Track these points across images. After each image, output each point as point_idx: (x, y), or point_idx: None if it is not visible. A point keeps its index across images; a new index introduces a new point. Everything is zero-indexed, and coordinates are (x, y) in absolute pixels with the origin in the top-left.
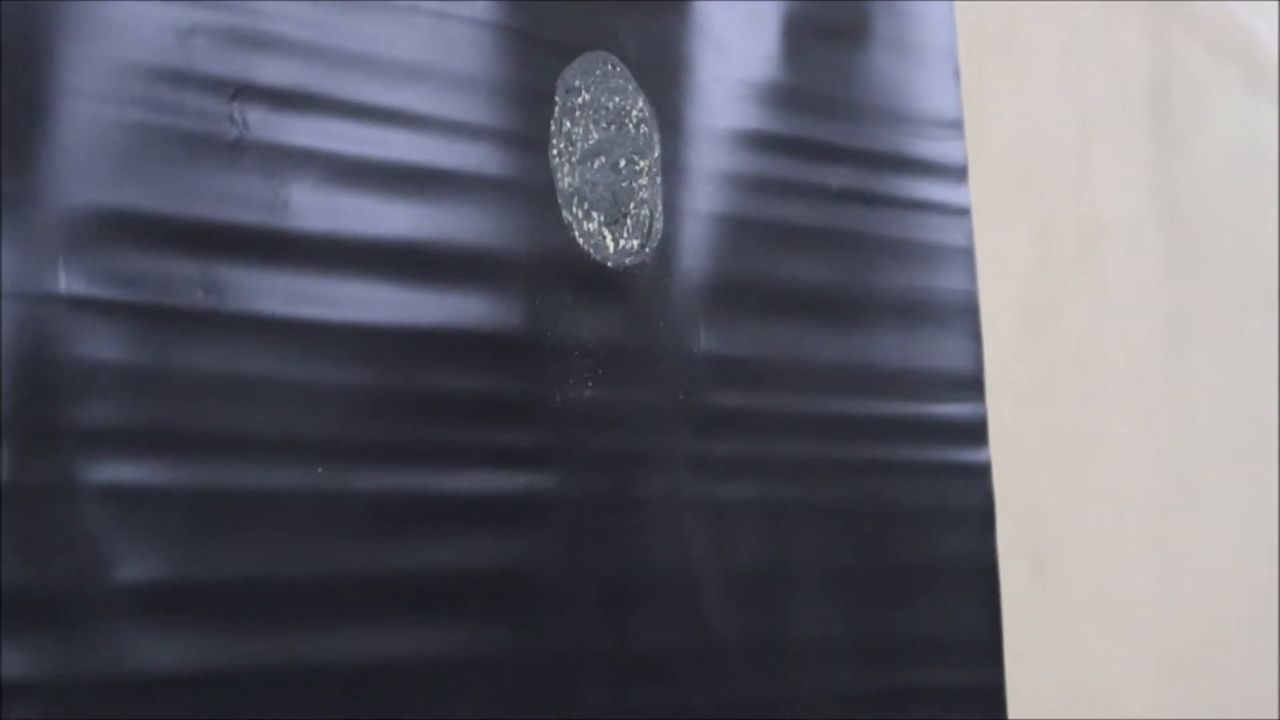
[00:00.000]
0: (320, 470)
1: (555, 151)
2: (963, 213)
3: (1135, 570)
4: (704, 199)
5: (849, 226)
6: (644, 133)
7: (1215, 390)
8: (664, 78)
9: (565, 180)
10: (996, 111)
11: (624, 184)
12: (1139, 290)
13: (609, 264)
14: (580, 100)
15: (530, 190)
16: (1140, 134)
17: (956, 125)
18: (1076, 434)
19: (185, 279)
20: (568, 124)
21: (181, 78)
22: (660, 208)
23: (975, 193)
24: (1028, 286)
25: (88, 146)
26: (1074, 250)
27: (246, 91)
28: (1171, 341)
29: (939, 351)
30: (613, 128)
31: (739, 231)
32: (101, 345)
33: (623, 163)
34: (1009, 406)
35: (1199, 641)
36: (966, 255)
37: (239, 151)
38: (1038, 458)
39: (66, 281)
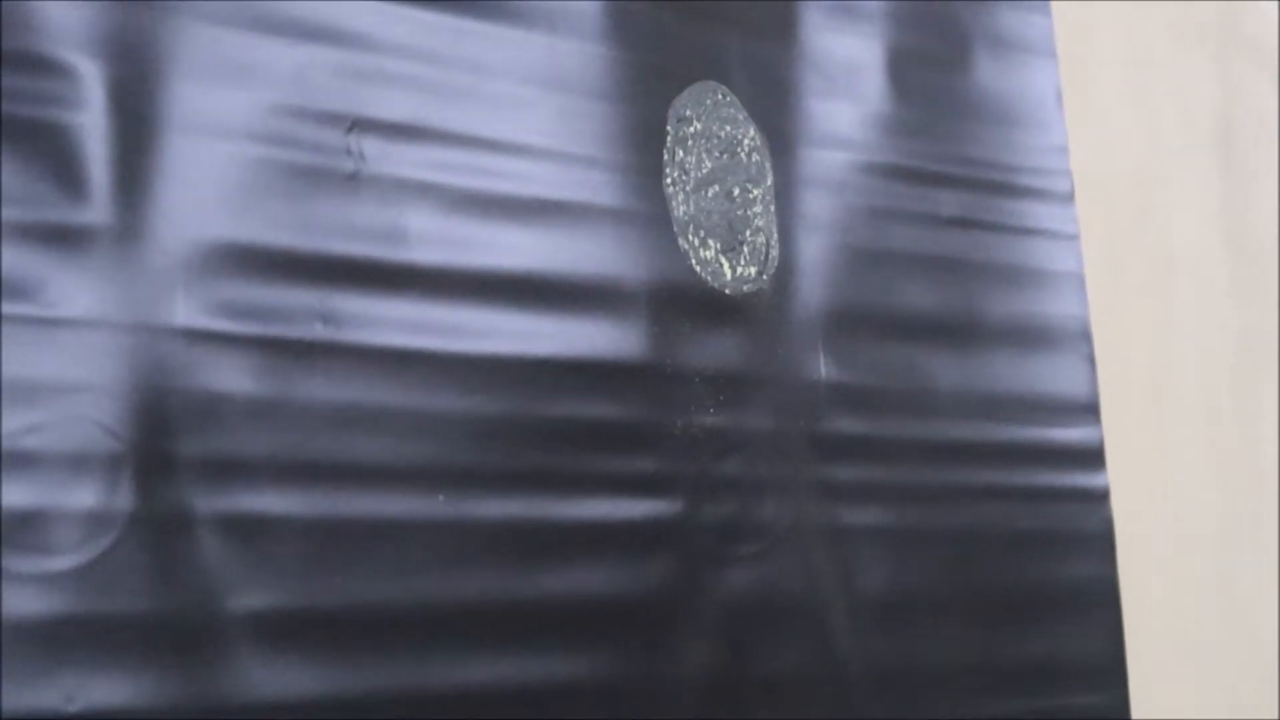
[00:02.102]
0: (441, 499)
1: (669, 180)
2: (1072, 238)
3: (1206, 599)
4: (818, 227)
5: (961, 252)
6: (756, 161)
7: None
8: (774, 107)
9: (680, 208)
10: (1071, 134)
11: (739, 212)
12: (1207, 320)
13: (727, 291)
14: (692, 129)
15: (646, 219)
16: (1208, 167)
17: (1062, 151)
18: (1148, 461)
19: (304, 310)
20: (680, 153)
21: (299, 113)
22: (775, 235)
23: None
24: (1098, 315)
25: (207, 181)
26: (1142, 281)
27: (363, 125)
28: (1237, 368)
29: (1055, 376)
30: (725, 156)
31: (854, 258)
32: (221, 376)
33: (736, 191)
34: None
35: (1267, 671)
36: (1078, 280)
37: (356, 184)
38: (1115, 487)
39: (186, 314)
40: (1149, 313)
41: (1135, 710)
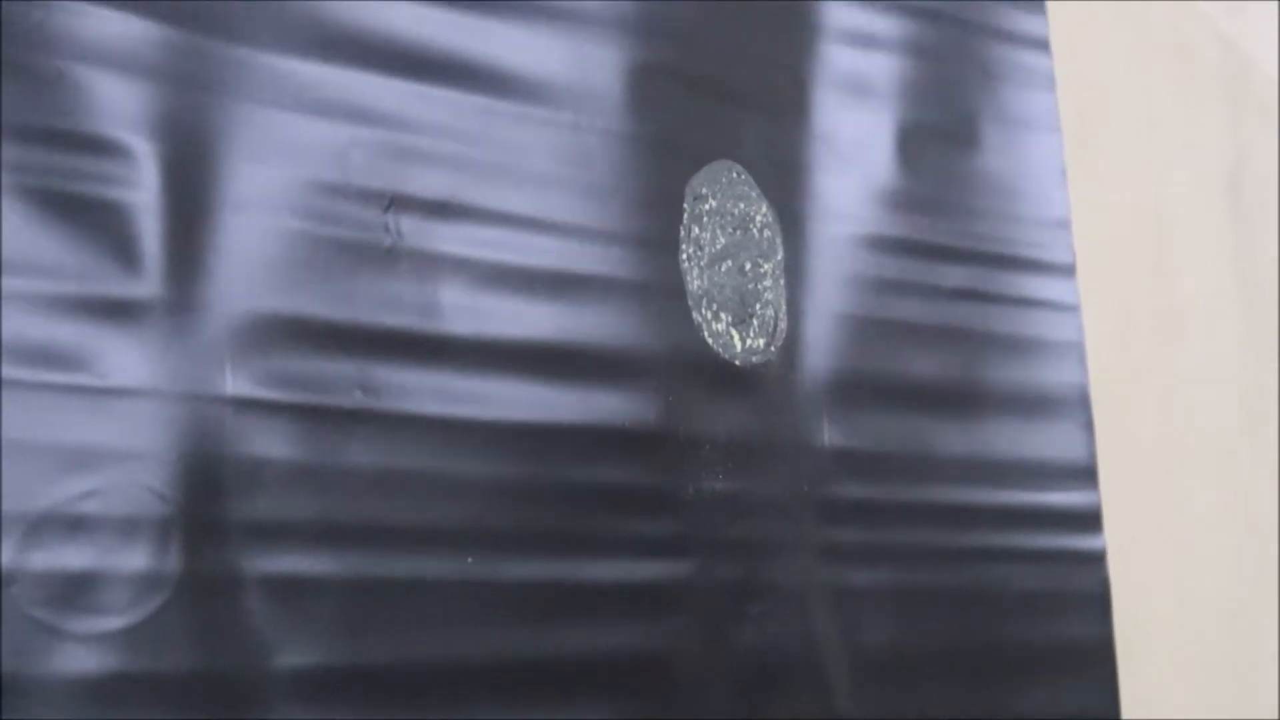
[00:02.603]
0: (470, 560)
1: (685, 255)
2: (1072, 309)
3: (1216, 646)
4: (826, 299)
5: (964, 324)
6: (768, 237)
7: None
8: (786, 184)
9: (695, 283)
10: (1078, 201)
11: (750, 286)
12: (1218, 373)
13: (737, 362)
14: (708, 206)
15: (662, 292)
16: (1218, 222)
17: (1064, 225)
18: (1160, 516)
19: (344, 380)
20: (696, 229)
21: (340, 190)
22: (784, 308)
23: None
24: (1109, 372)
25: (252, 256)
26: (1153, 335)
27: (400, 202)
28: (1248, 420)
29: (1054, 442)
30: (738, 232)
31: (859, 330)
32: (266, 443)
33: (748, 265)
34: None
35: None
36: (1077, 349)
37: (394, 258)
38: (1124, 538)
39: (234, 383)
40: (1159, 370)
41: None
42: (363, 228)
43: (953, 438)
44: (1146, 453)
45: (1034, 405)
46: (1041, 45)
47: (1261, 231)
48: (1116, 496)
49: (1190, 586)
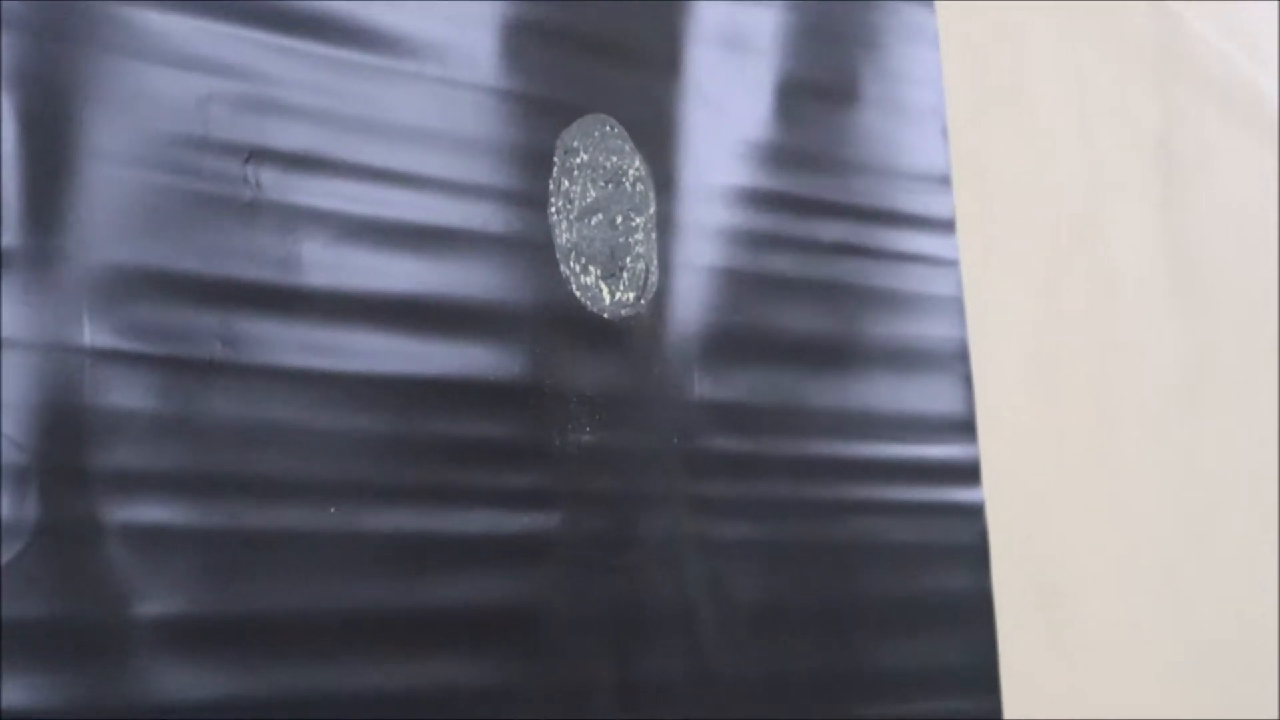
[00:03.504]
0: (333, 511)
1: (554, 209)
2: (951, 264)
3: (1143, 605)
4: (698, 253)
5: (841, 278)
6: (640, 190)
7: (1223, 430)
8: (660, 138)
9: (564, 236)
10: (1005, 164)
11: (620, 239)
12: (1148, 335)
13: (606, 315)
14: (579, 160)
15: (530, 246)
16: (1148, 185)
17: (944, 180)
18: (1086, 474)
19: (204, 332)
20: (566, 183)
21: (199, 143)
22: (655, 262)
23: (981, 244)
24: (1037, 332)
25: (111, 207)
26: (1084, 297)
27: (260, 155)
28: (1180, 383)
29: (931, 396)
30: (610, 186)
31: (733, 284)
32: (125, 394)
33: (619, 219)
34: (1018, 449)
35: (1205, 677)
36: (957, 304)
37: (254, 211)
38: (1047, 496)
39: (91, 334)
40: (1090, 330)
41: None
42: (223, 180)
43: (828, 391)
44: (1075, 408)
45: (912, 360)
46: None
47: (1193, 191)
48: (1028, 451)
49: (1111, 544)
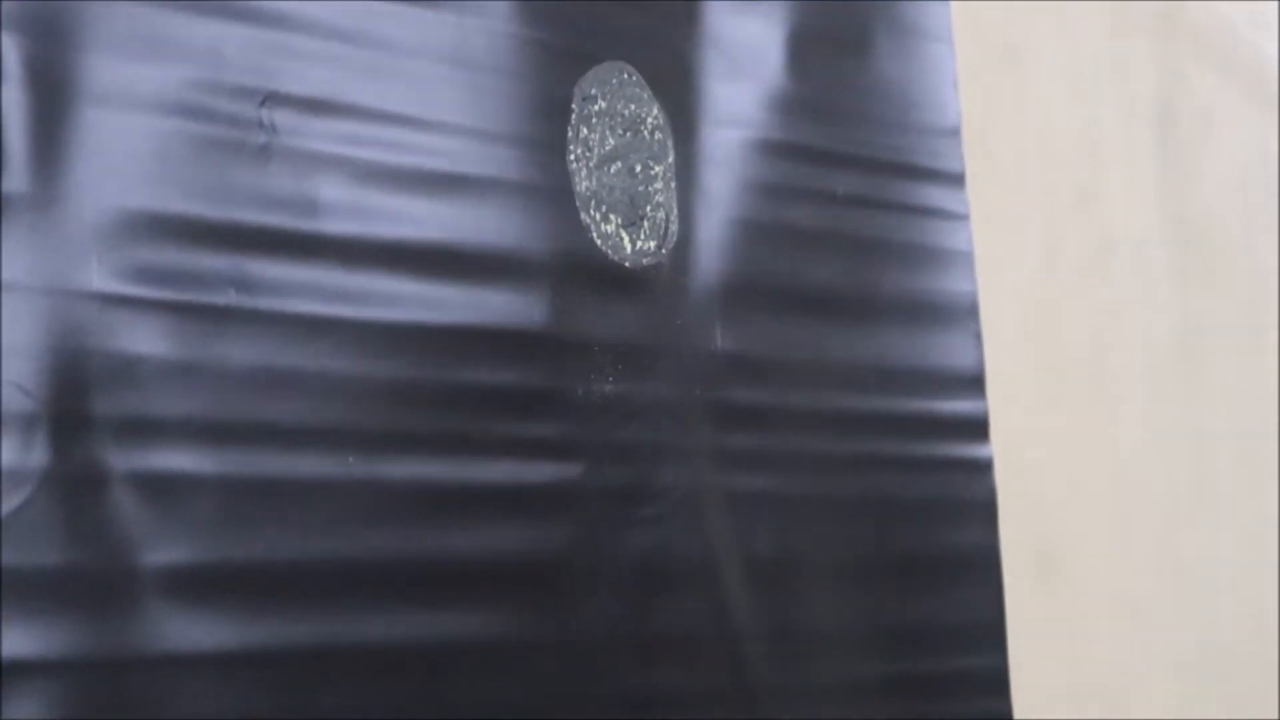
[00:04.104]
0: (351, 460)
1: (573, 157)
2: (962, 218)
3: (1142, 567)
4: (718, 203)
5: (855, 230)
6: (659, 139)
7: (1223, 394)
8: (678, 87)
9: (583, 184)
10: (1006, 125)
11: (640, 188)
12: (1147, 298)
13: (627, 264)
14: (597, 108)
15: (549, 193)
16: (1147, 149)
17: (956, 134)
18: (1086, 435)
19: (217, 277)
20: (585, 130)
21: (213, 86)
22: (675, 211)
23: (985, 202)
24: (1037, 292)
25: (122, 151)
26: (1083, 259)
27: (275, 99)
28: (1179, 347)
29: (942, 351)
30: (628, 134)
31: (751, 234)
32: (135, 339)
33: (639, 168)
34: (1019, 408)
35: (1204, 638)
36: (967, 259)
37: (268, 155)
38: (1048, 457)
39: (101, 279)
40: (1088, 292)
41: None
42: (236, 124)
43: (843, 344)
44: (1074, 368)
45: (924, 313)
46: None
47: (1195, 160)
48: (1028, 412)
49: (1111, 506)
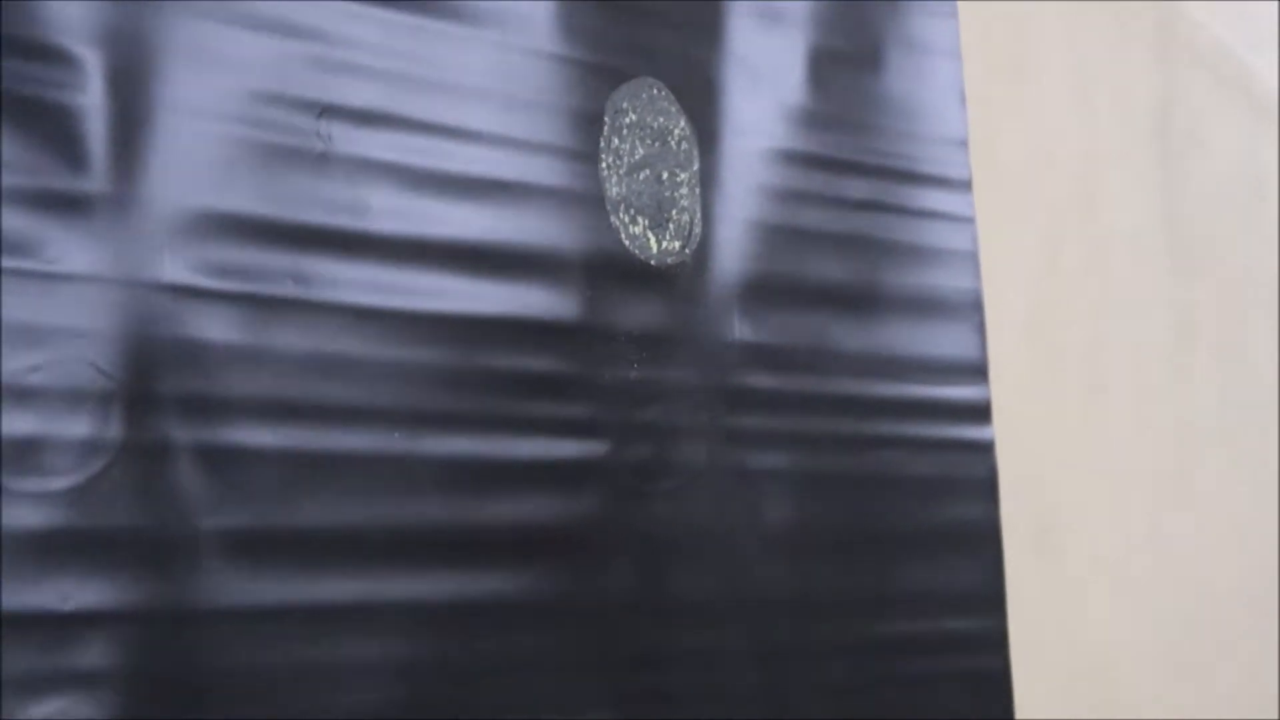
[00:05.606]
0: (397, 436)
1: (604, 165)
2: (967, 221)
3: (1131, 539)
4: (738, 207)
5: (867, 232)
6: (685, 149)
7: (1210, 384)
8: (703, 100)
9: (614, 189)
10: (1008, 132)
11: (666, 193)
12: (1142, 295)
13: (652, 263)
14: (628, 120)
15: (582, 198)
16: (1144, 156)
17: (962, 144)
18: (1082, 419)
19: (277, 271)
20: (616, 141)
21: (275, 99)
22: (699, 214)
23: (987, 205)
24: (1037, 288)
25: (193, 156)
26: (1081, 259)
27: (331, 111)
28: (1173, 342)
29: (947, 342)
30: (657, 144)
31: (769, 236)
32: (203, 326)
33: (665, 175)
34: (1019, 395)
35: (1187, 603)
36: (971, 258)
37: (325, 162)
38: (1046, 440)
39: (172, 271)
40: (1087, 292)
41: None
42: (296, 134)
43: (854, 335)
44: (1072, 359)
45: (930, 308)
46: None
47: (1190, 166)
48: (1028, 398)
49: (1105, 486)
